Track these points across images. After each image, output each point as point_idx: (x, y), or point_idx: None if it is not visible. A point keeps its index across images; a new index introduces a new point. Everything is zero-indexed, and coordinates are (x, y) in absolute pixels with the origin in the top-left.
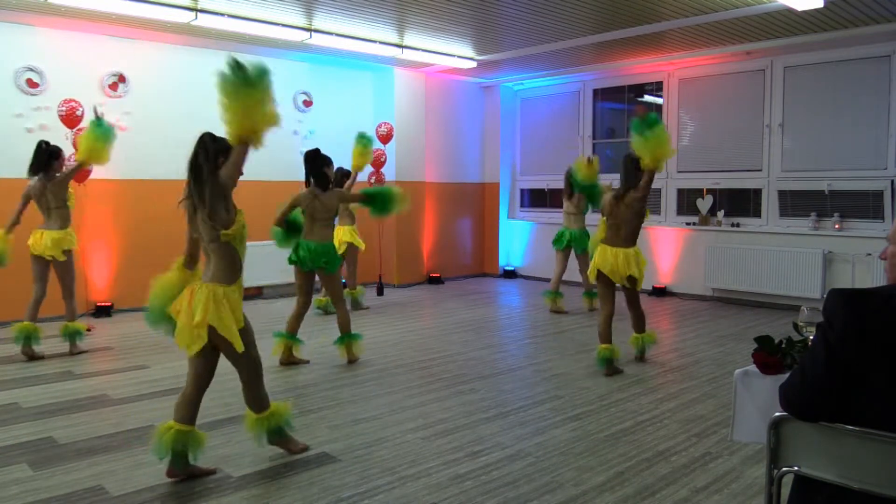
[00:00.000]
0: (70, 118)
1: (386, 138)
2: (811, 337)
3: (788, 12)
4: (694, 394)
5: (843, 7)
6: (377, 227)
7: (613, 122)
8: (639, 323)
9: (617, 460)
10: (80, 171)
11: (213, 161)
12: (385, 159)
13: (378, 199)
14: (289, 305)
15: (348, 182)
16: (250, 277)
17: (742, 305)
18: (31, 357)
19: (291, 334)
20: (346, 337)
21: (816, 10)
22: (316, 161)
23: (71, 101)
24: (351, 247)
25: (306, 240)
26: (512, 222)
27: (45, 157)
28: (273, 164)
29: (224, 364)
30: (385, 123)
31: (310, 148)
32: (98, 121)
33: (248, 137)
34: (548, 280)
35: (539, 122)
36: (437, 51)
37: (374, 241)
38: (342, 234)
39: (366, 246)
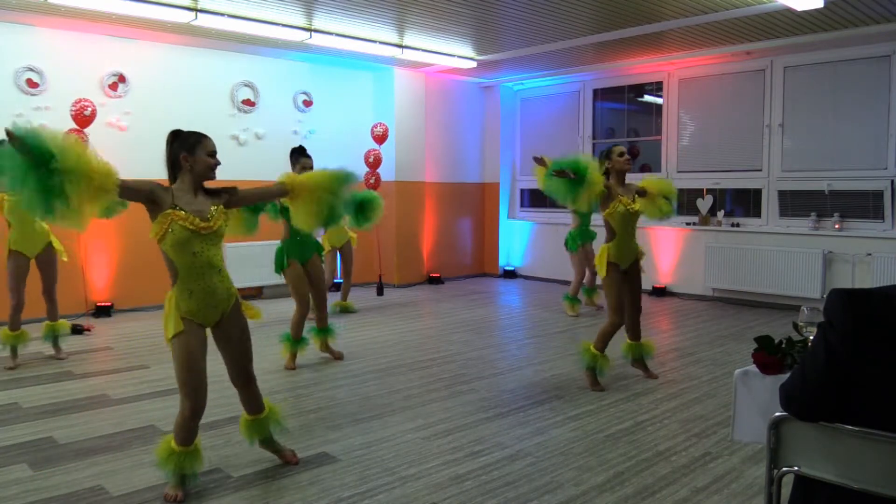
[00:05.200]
0: (80, 118)
1: (381, 138)
2: (811, 337)
3: (788, 12)
4: (694, 394)
5: (843, 7)
6: (376, 227)
7: (613, 122)
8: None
9: (617, 460)
10: None
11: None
12: (375, 160)
13: (362, 207)
14: (289, 306)
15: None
16: (250, 277)
17: (742, 305)
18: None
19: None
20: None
21: (816, 10)
22: (303, 154)
23: (82, 100)
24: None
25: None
26: (512, 222)
27: None
28: (273, 164)
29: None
30: (381, 124)
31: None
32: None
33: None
34: (549, 280)
35: (539, 122)
36: (437, 51)
37: (374, 241)
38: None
39: (359, 245)
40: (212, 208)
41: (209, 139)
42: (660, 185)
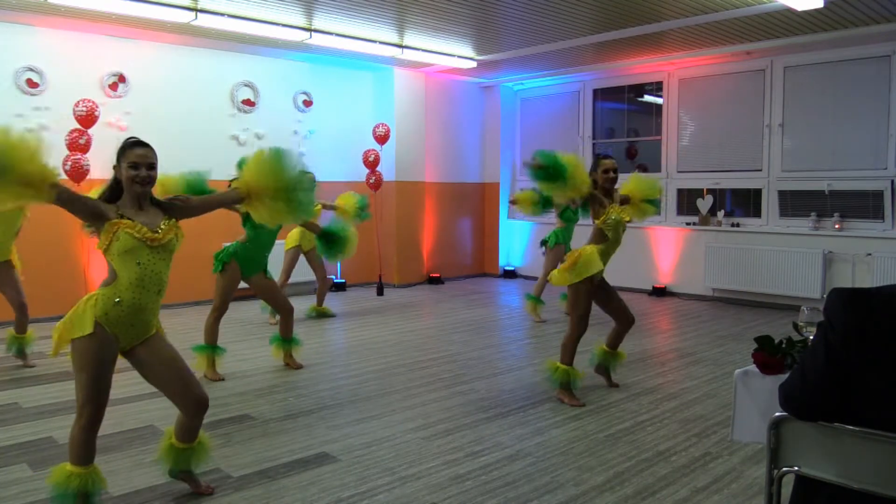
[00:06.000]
0: (88, 117)
1: (383, 139)
2: (811, 337)
3: (788, 12)
4: (694, 394)
5: (843, 7)
6: (376, 227)
7: (613, 122)
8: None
9: (617, 460)
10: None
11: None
12: (375, 159)
13: (334, 241)
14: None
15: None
16: None
17: (742, 305)
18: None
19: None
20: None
21: (816, 10)
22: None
23: (88, 101)
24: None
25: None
26: (512, 222)
27: None
28: None
29: (224, 365)
30: (382, 124)
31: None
32: None
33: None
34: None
35: (539, 122)
36: (437, 51)
37: (374, 241)
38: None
39: (359, 245)
40: (162, 222)
41: (137, 149)
42: (642, 189)
